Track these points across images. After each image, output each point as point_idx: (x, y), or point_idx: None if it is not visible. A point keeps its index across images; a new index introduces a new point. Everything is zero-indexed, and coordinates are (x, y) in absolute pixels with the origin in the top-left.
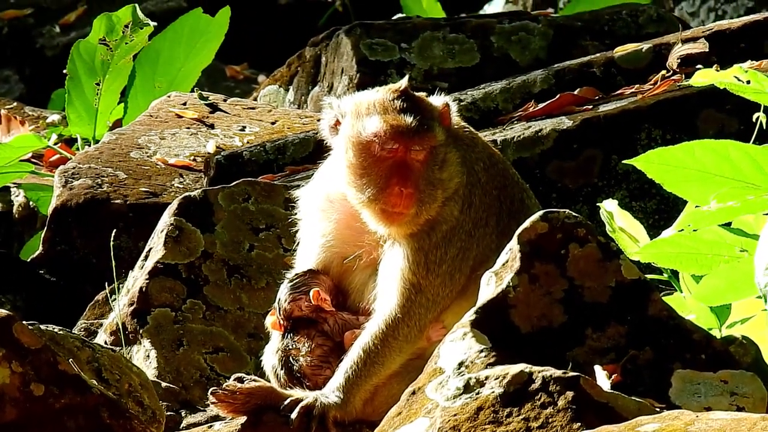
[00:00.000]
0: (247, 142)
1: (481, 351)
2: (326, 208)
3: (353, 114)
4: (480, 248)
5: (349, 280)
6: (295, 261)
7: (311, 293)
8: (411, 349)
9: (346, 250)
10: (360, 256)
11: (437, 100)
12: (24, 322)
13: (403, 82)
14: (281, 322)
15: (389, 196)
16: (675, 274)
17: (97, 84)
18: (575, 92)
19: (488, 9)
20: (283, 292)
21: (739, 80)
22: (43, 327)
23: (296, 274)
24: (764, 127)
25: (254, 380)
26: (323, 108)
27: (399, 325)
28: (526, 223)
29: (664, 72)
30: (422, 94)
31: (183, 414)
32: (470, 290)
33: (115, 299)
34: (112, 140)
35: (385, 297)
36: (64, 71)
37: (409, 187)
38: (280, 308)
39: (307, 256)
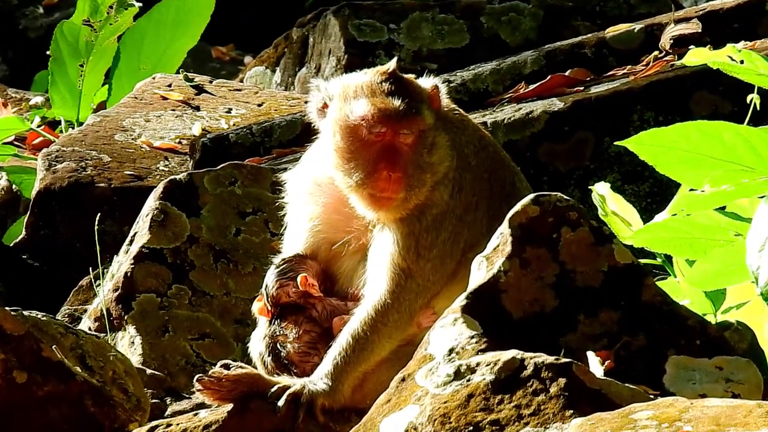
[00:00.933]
0: (234, 125)
1: (472, 337)
2: (314, 191)
3: (341, 97)
4: (471, 232)
5: (337, 265)
6: (283, 246)
7: (299, 279)
8: (401, 336)
9: (335, 235)
10: (349, 241)
11: (426, 83)
12: (6, 308)
13: (392, 64)
14: (268, 308)
15: (377, 180)
16: (669, 258)
17: (81, 65)
18: (566, 73)
19: None
20: (270, 277)
21: (732, 60)
22: (26, 313)
23: (283, 260)
24: (758, 109)
25: (241, 367)
26: (311, 90)
27: (389, 310)
28: (517, 207)
29: (656, 53)
30: (411, 76)
31: (168, 401)
32: (461, 275)
33: (99, 285)
34: (96, 123)
35: (375, 282)
36: (48, 52)
37: (397, 171)
38: (267, 294)
39: (294, 240)
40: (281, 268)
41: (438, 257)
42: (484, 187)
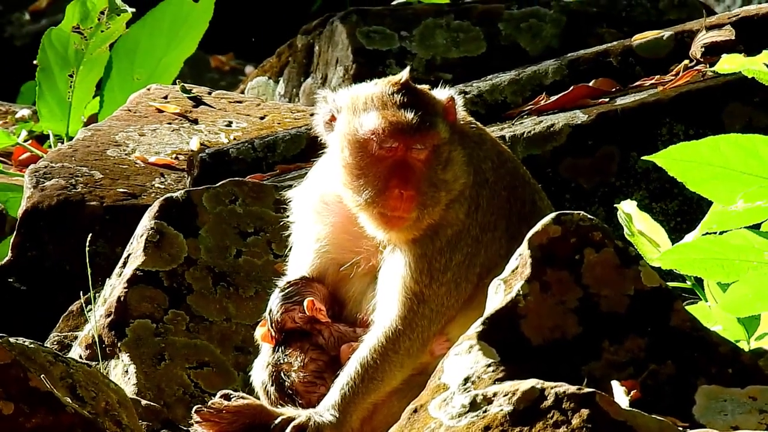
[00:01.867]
0: (234, 139)
1: (489, 365)
2: (321, 210)
3: (349, 109)
4: (488, 254)
5: (345, 288)
6: (287, 268)
7: (305, 303)
8: (413, 364)
9: (343, 257)
10: (358, 263)
11: (441, 94)
12: None
13: (404, 74)
14: (272, 334)
15: (388, 199)
16: (699, 281)
17: (71, 76)
18: (590, 84)
19: None
20: (275, 301)
21: None
22: (12, 340)
23: (288, 283)
24: None
25: (242, 397)
26: (317, 102)
27: (400, 337)
28: (538, 227)
29: (686, 62)
30: (425, 87)
31: None
32: (477, 300)
33: (90, 310)
34: (87, 137)
35: (385, 307)
36: (35, 62)
37: (409, 190)
38: (271, 319)
39: (300, 262)
40: (286, 291)
41: (453, 281)
42: (503, 205)
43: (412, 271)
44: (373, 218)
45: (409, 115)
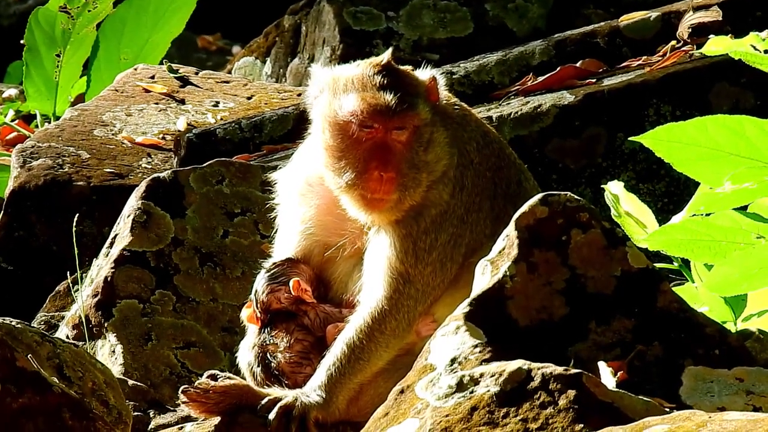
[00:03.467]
0: (221, 119)
1: (476, 346)
2: (305, 192)
3: (330, 90)
4: (473, 235)
5: (331, 269)
6: (273, 249)
7: (291, 283)
8: (399, 345)
9: (328, 239)
10: (343, 245)
11: (423, 74)
12: None
13: (386, 56)
14: (258, 315)
15: (368, 181)
16: (686, 262)
17: (58, 55)
18: (577, 65)
19: None
20: (260, 282)
21: (755, 50)
22: None
23: (274, 263)
24: None
25: (229, 378)
26: (309, 77)
27: (386, 318)
28: (524, 207)
29: (673, 42)
30: (407, 68)
31: (151, 414)
32: (463, 280)
33: (77, 290)
34: (73, 117)
35: (371, 288)
36: (22, 41)
37: (389, 171)
38: (256, 300)
39: (285, 244)
40: (272, 272)
41: (438, 261)
42: (488, 186)
43: (397, 252)
44: (354, 200)
45: (389, 97)
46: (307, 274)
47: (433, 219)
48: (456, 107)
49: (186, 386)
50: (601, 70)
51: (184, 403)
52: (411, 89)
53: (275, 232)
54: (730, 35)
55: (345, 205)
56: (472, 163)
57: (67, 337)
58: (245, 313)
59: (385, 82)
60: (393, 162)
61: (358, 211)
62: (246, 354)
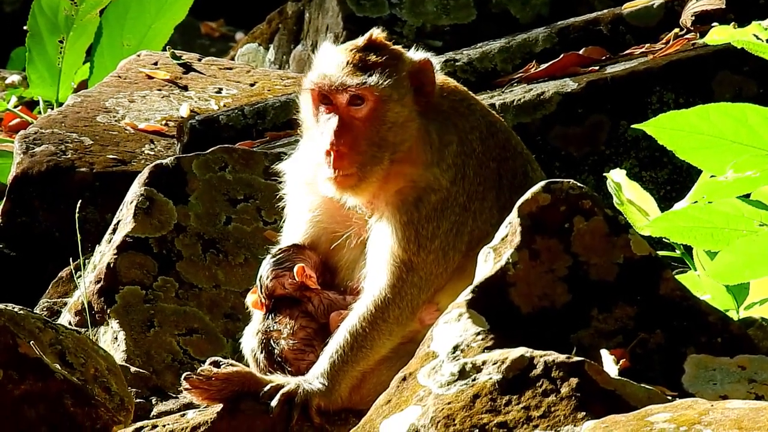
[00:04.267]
0: (224, 106)
1: (478, 333)
2: (312, 180)
3: (313, 66)
4: (477, 223)
5: (338, 257)
6: (281, 238)
7: (295, 269)
8: (402, 333)
9: (335, 227)
10: (350, 235)
11: (415, 56)
12: None
13: (373, 32)
14: (263, 300)
15: (326, 156)
16: (688, 250)
17: (61, 42)
18: (580, 52)
19: None
20: (265, 268)
21: (758, 39)
22: (1, 306)
23: (280, 249)
24: None
25: (231, 365)
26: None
27: (389, 306)
28: (527, 195)
29: (677, 30)
30: (398, 48)
31: (153, 401)
32: (467, 269)
33: (80, 276)
34: (76, 103)
35: (374, 276)
36: (25, 27)
37: (342, 146)
38: (261, 285)
39: (293, 231)
40: (277, 257)
41: (440, 249)
42: (492, 176)
43: (399, 240)
44: (322, 180)
45: (344, 71)
46: (312, 261)
47: (434, 206)
48: (456, 97)
49: (188, 373)
50: (604, 57)
51: (186, 389)
52: (383, 67)
53: (283, 221)
54: (733, 23)
55: (320, 186)
56: (475, 152)
57: (70, 323)
58: (250, 299)
59: (355, 57)
60: (346, 137)
61: (329, 191)
62: (250, 340)
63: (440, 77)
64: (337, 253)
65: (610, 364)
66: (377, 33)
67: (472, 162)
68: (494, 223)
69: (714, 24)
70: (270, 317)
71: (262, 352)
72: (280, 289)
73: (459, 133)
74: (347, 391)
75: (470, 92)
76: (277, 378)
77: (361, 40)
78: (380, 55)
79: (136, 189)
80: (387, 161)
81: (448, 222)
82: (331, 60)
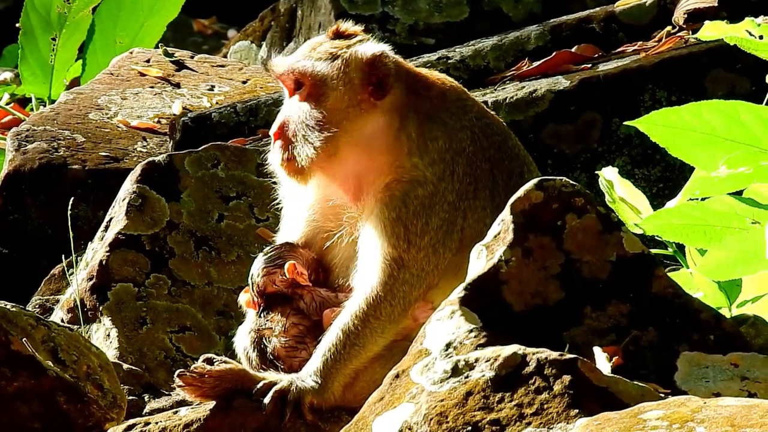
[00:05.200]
0: (217, 103)
1: (471, 331)
2: None
3: None
4: (468, 222)
5: (331, 255)
6: (277, 237)
7: (286, 266)
8: (395, 330)
9: (329, 226)
10: (342, 234)
11: (370, 48)
12: None
13: (340, 25)
14: (255, 299)
15: (273, 142)
16: (681, 248)
17: (53, 39)
18: (573, 50)
19: None
20: (257, 265)
21: (751, 35)
22: None
23: (272, 247)
24: None
25: (225, 362)
26: None
27: (381, 303)
28: (520, 192)
29: (669, 28)
30: (358, 41)
31: (146, 398)
32: (462, 269)
33: (72, 273)
34: (69, 100)
35: (366, 274)
36: (17, 25)
37: (281, 131)
38: (252, 283)
39: (288, 230)
40: (269, 255)
41: (431, 245)
42: (485, 177)
43: (388, 237)
44: (274, 167)
45: (293, 58)
46: (304, 258)
47: (422, 201)
48: (455, 97)
49: (182, 370)
50: (596, 55)
51: (179, 387)
52: (328, 55)
53: (272, 217)
54: (725, 21)
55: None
56: (464, 150)
57: (62, 320)
58: (243, 298)
59: (309, 46)
60: (282, 121)
61: (283, 178)
62: (242, 338)
63: (439, 75)
64: (330, 251)
65: (602, 361)
66: (345, 25)
67: (462, 160)
68: (488, 223)
69: (706, 21)
70: (262, 315)
71: (254, 350)
72: (271, 287)
73: (448, 130)
74: (340, 389)
75: (468, 93)
76: (270, 375)
77: (330, 32)
78: (337, 46)
79: (128, 186)
80: (317, 144)
81: (438, 218)
82: (297, 50)
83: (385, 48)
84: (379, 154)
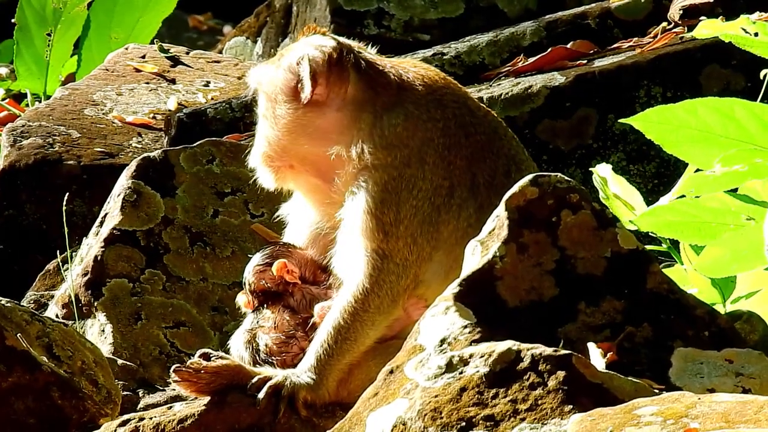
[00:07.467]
0: (212, 99)
1: (465, 326)
2: None
3: None
4: (448, 217)
5: (328, 254)
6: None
7: (275, 264)
8: (385, 322)
9: (327, 226)
10: (336, 234)
11: (305, 49)
12: None
13: (309, 26)
14: (249, 298)
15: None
16: (675, 244)
17: (49, 34)
18: (568, 46)
19: None
20: (250, 264)
21: (746, 32)
22: None
23: (267, 245)
24: None
25: (222, 357)
26: None
27: (368, 295)
28: (515, 188)
29: (665, 24)
30: (302, 43)
31: (140, 394)
32: (453, 266)
33: (67, 269)
34: (64, 96)
35: (351, 269)
36: (13, 20)
37: (255, 139)
38: (246, 282)
39: (292, 231)
40: (263, 253)
41: (409, 235)
42: (461, 174)
43: (363, 230)
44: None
45: (257, 66)
46: (300, 257)
47: (384, 187)
48: (432, 90)
49: (178, 365)
50: (592, 51)
51: (175, 381)
52: (272, 63)
53: (274, 216)
54: (721, 17)
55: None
56: (433, 141)
57: (57, 316)
58: (241, 300)
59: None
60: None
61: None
62: (237, 337)
63: (429, 70)
64: (328, 251)
65: (597, 357)
66: (323, 30)
67: (430, 151)
68: (473, 222)
69: (702, 18)
70: (255, 313)
71: (247, 348)
72: (261, 284)
73: (409, 119)
74: (335, 385)
75: (459, 90)
76: (265, 370)
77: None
78: (281, 53)
79: (123, 182)
80: (268, 142)
81: (408, 206)
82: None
83: (327, 46)
84: (334, 151)
